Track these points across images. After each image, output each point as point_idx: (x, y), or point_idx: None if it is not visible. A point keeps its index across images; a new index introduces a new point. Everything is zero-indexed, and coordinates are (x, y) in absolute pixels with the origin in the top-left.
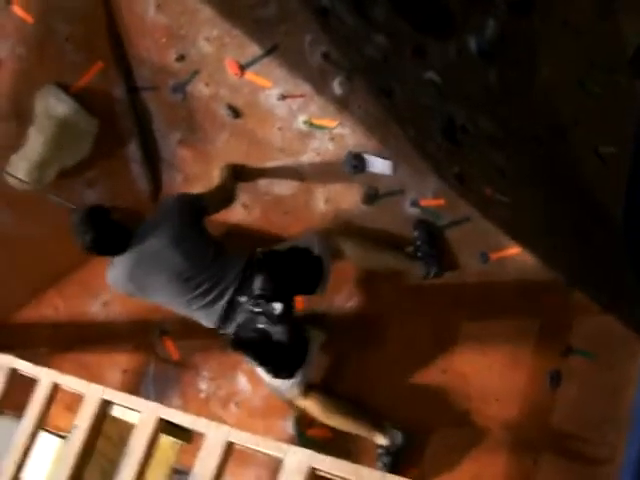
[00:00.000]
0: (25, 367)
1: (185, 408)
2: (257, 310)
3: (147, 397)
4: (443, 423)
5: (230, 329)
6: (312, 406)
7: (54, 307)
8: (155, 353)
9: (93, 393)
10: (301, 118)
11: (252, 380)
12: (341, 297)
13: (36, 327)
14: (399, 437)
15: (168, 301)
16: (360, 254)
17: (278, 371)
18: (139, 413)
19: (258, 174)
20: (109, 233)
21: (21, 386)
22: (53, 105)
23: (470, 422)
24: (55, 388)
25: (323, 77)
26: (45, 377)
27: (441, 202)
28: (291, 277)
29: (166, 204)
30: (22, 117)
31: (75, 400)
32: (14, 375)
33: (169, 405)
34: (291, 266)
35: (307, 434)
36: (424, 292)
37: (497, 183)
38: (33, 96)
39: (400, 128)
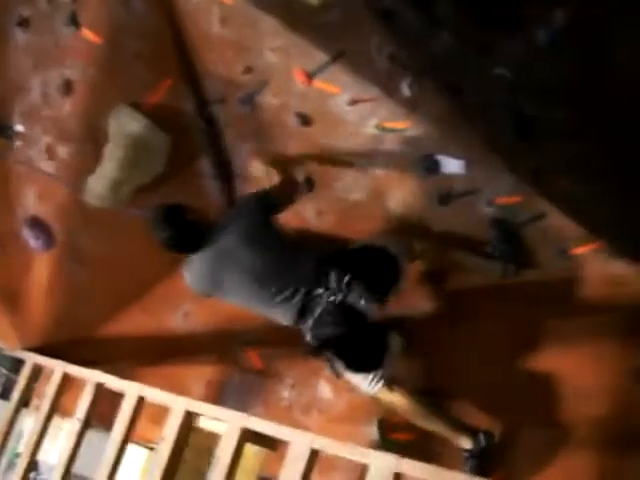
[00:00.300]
0: (112, 381)
1: (268, 416)
2: (334, 299)
3: (231, 407)
4: (530, 423)
5: (307, 324)
6: (398, 402)
7: (137, 321)
8: (237, 363)
9: (178, 405)
10: (371, 122)
11: (334, 386)
12: (418, 299)
13: (120, 341)
14: (483, 439)
15: (245, 299)
16: (436, 255)
17: (361, 362)
18: (224, 423)
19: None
20: (185, 231)
21: (108, 400)
22: (126, 124)
23: (557, 421)
24: (141, 401)
25: (391, 79)
26: (131, 390)
27: (517, 199)
28: (367, 272)
29: (240, 202)
30: (97, 137)
31: (161, 412)
32: (101, 389)
33: (253, 414)
34: (367, 262)
35: (390, 437)
36: (504, 291)
37: (573, 176)
38: (106, 116)
39: (471, 126)
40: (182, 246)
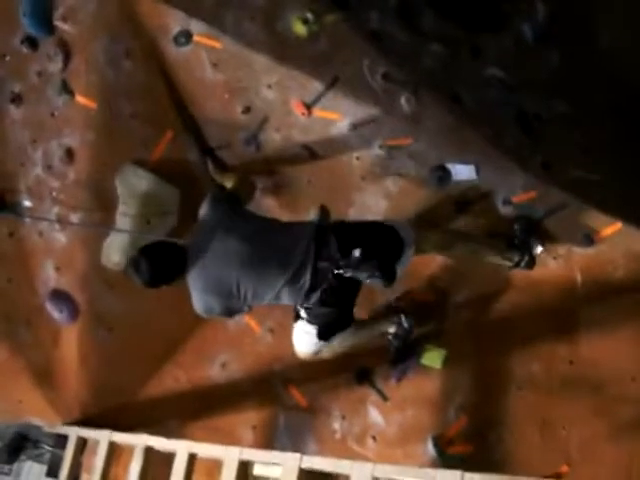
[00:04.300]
0: (160, 442)
1: (322, 452)
2: (339, 272)
3: (283, 449)
4: (583, 414)
5: (313, 300)
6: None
7: (175, 378)
8: (282, 403)
9: (231, 455)
10: (376, 143)
11: (383, 410)
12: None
13: (162, 401)
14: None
15: (254, 293)
16: (450, 245)
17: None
18: (280, 466)
19: None
20: (163, 256)
21: (160, 461)
22: (133, 183)
23: (610, 408)
24: (193, 457)
25: (389, 97)
26: (181, 448)
27: (532, 195)
28: (375, 249)
29: (203, 210)
30: (106, 202)
31: (214, 464)
32: (151, 452)
33: (306, 452)
34: (368, 234)
35: (448, 452)
36: (536, 285)
37: (582, 162)
38: (112, 178)
39: (475, 130)
40: (166, 274)
